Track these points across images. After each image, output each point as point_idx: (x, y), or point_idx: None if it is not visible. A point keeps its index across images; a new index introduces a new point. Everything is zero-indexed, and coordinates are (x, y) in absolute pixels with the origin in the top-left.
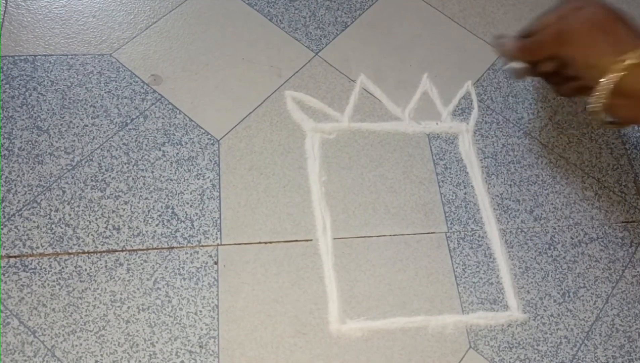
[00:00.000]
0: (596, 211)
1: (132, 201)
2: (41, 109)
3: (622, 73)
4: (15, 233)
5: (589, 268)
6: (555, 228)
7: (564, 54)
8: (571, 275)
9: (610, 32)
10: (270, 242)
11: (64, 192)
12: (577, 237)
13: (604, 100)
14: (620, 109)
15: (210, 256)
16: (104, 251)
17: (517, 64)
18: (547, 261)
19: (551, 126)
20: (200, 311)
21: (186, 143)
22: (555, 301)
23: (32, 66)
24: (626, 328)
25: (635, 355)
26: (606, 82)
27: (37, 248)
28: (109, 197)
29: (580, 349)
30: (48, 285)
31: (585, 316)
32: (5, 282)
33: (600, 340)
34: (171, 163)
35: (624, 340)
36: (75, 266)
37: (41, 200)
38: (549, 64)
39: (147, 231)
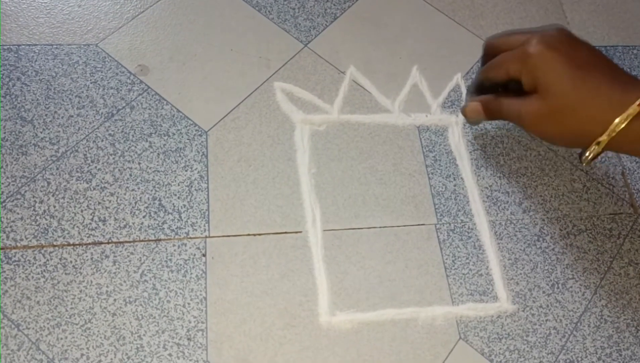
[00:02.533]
0: (584, 203)
1: (118, 193)
2: (25, 99)
3: (622, 126)
4: None
5: (578, 259)
6: (544, 220)
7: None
8: (560, 267)
9: (595, 78)
10: (259, 234)
11: (48, 183)
12: (565, 229)
13: (600, 150)
14: (622, 148)
15: (199, 248)
16: (89, 244)
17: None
18: (536, 253)
19: None
20: (188, 303)
21: (173, 134)
22: (544, 292)
23: (16, 55)
24: (614, 319)
25: (624, 345)
26: (605, 137)
27: (21, 240)
28: (94, 188)
29: (569, 340)
30: (32, 277)
31: (574, 307)
32: None
33: (589, 330)
34: (158, 154)
35: (612, 331)
36: (60, 259)
37: (25, 192)
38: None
39: (133, 223)
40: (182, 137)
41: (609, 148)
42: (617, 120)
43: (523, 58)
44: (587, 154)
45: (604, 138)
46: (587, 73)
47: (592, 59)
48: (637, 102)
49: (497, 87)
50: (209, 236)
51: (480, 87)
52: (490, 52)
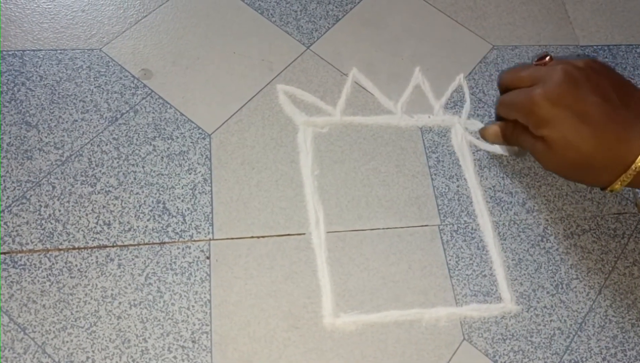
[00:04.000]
0: (588, 202)
1: (122, 196)
2: (30, 104)
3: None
4: (5, 229)
5: (582, 259)
6: (547, 220)
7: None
8: (564, 267)
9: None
10: (263, 236)
11: (53, 188)
12: (569, 229)
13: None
14: None
15: (203, 251)
16: (94, 247)
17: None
18: (540, 253)
19: None
20: (193, 306)
21: (177, 138)
22: (548, 292)
23: (21, 60)
24: (619, 319)
25: (628, 345)
26: (626, 178)
27: (27, 244)
28: (99, 192)
29: (573, 340)
30: (38, 281)
31: (578, 308)
32: None
33: (594, 331)
34: (162, 157)
35: (617, 331)
36: (65, 262)
37: (30, 196)
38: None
39: (138, 227)
40: (186, 140)
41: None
42: (630, 169)
43: (528, 111)
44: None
45: (617, 187)
46: (594, 128)
47: (599, 109)
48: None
49: None
50: (213, 239)
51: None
52: (503, 90)
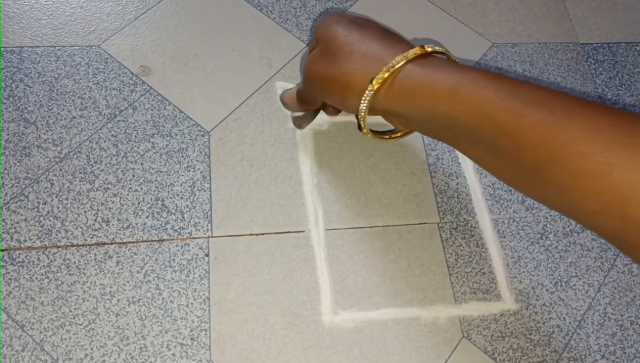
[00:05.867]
0: None
1: (121, 194)
2: (28, 101)
3: (368, 99)
4: (3, 226)
5: (581, 257)
6: (547, 218)
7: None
8: (563, 264)
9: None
10: (262, 234)
11: (52, 184)
12: (568, 226)
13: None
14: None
15: (201, 248)
16: (93, 244)
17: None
18: (539, 251)
19: None
20: (192, 303)
21: (176, 135)
22: (547, 290)
23: (19, 57)
24: (618, 316)
25: (627, 343)
26: (362, 109)
27: (25, 241)
28: (97, 189)
29: (572, 338)
30: (36, 278)
31: (577, 305)
32: None
33: (593, 328)
34: (161, 154)
35: (616, 329)
36: (64, 259)
37: (29, 193)
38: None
39: (136, 224)
40: (185, 137)
41: (379, 109)
42: (380, 74)
43: (315, 34)
44: (361, 116)
45: (371, 89)
46: (363, 28)
47: (373, 25)
48: (397, 58)
49: None
50: (212, 236)
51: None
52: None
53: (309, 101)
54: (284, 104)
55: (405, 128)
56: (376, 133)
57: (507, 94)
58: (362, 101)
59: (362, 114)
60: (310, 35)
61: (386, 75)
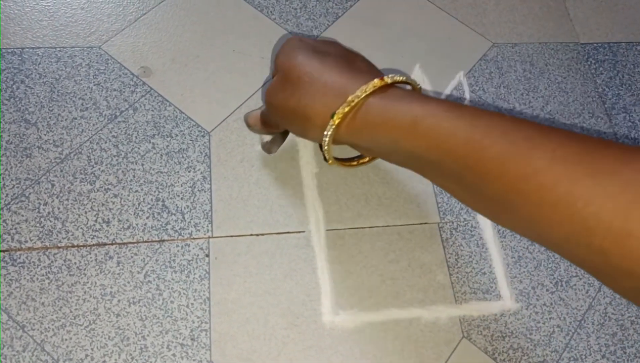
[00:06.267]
0: None
1: (122, 194)
2: (29, 102)
3: (330, 133)
4: (4, 227)
5: None
6: None
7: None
8: (563, 264)
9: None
10: (262, 234)
11: (52, 185)
12: None
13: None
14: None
15: (202, 248)
16: (93, 245)
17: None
18: (539, 251)
19: (542, 116)
20: (192, 304)
21: (176, 135)
22: (547, 290)
23: (20, 58)
24: (618, 316)
25: (628, 343)
26: (325, 142)
27: (26, 242)
28: (98, 190)
29: (573, 338)
30: (37, 279)
31: (577, 305)
32: None
33: (593, 328)
34: (161, 155)
35: (617, 328)
36: (64, 260)
37: (30, 194)
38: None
39: (137, 224)
40: (185, 138)
41: (342, 140)
42: (340, 108)
43: (276, 66)
44: (325, 147)
45: (330, 128)
46: (324, 56)
47: (337, 51)
48: (362, 90)
49: None
50: (212, 237)
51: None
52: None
53: (272, 125)
54: (249, 126)
55: (371, 156)
56: (342, 162)
57: (467, 125)
58: (325, 135)
59: (326, 147)
60: (311, 35)
61: (346, 109)
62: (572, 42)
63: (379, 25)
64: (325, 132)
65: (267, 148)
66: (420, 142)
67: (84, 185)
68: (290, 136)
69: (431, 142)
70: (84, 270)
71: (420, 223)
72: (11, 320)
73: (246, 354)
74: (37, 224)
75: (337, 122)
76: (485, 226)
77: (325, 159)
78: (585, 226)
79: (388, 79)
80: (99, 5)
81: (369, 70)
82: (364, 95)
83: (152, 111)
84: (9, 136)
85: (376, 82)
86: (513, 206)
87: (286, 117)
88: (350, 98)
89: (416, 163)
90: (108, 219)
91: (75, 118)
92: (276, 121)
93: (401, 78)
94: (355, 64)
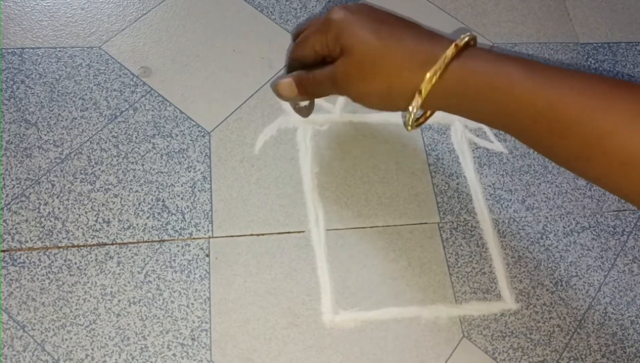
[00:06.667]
0: (588, 200)
1: (122, 194)
2: (29, 102)
3: (433, 82)
4: (4, 227)
5: (581, 256)
6: (547, 218)
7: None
8: (563, 264)
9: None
10: (263, 234)
11: (53, 185)
12: (569, 226)
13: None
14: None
15: (202, 248)
16: (94, 245)
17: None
18: (539, 251)
19: None
20: (192, 304)
21: (177, 135)
22: (547, 290)
23: (20, 58)
24: (618, 316)
25: (628, 342)
26: (410, 117)
27: (26, 242)
28: (98, 190)
29: (573, 337)
30: (37, 279)
31: (577, 305)
32: None
33: (593, 328)
34: (161, 155)
35: (617, 328)
36: (65, 260)
37: (30, 194)
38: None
39: (137, 224)
40: (185, 138)
41: (427, 106)
42: (428, 75)
43: (326, 27)
44: (408, 116)
45: (417, 99)
46: (392, 27)
47: (396, 19)
48: (443, 57)
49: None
50: (213, 237)
51: (292, 71)
52: (298, 35)
53: (320, 95)
54: (280, 96)
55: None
56: (418, 124)
57: (545, 85)
58: (412, 108)
59: (411, 117)
60: None
61: (434, 80)
62: (572, 42)
63: None
64: (411, 108)
65: (305, 112)
66: (498, 104)
67: (84, 185)
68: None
69: (509, 103)
70: (84, 270)
71: (420, 223)
72: (11, 320)
73: (246, 354)
74: (38, 224)
75: (424, 96)
76: (485, 226)
77: (405, 125)
78: None
79: (460, 42)
80: (99, 5)
81: (430, 32)
82: (444, 64)
83: (152, 111)
84: (9, 136)
85: (453, 48)
86: (592, 163)
87: (371, 101)
88: (434, 69)
89: (495, 120)
90: (108, 219)
91: (76, 118)
92: (363, 103)
93: (467, 38)
94: (416, 28)
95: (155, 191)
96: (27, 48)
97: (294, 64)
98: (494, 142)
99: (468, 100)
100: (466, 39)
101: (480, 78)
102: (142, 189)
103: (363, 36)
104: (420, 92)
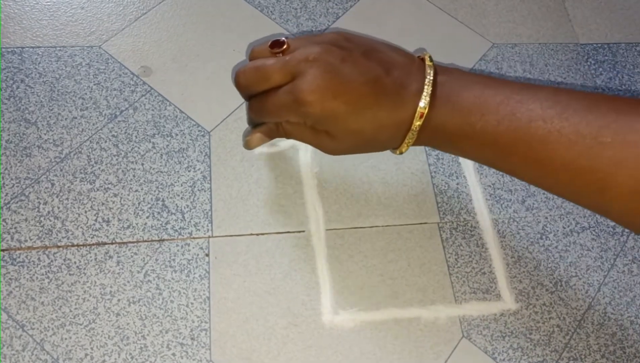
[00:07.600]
0: None
1: (121, 194)
2: (29, 101)
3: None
4: (3, 226)
5: (581, 257)
6: (547, 218)
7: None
8: (563, 264)
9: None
10: (262, 234)
11: (52, 185)
12: (568, 226)
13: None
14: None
15: (202, 248)
16: (93, 244)
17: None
18: (539, 251)
19: None
20: (192, 303)
21: (176, 135)
22: (547, 290)
23: (20, 58)
24: (618, 316)
25: (627, 343)
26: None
27: (26, 241)
28: (98, 189)
29: (572, 337)
30: (37, 278)
31: (577, 305)
32: None
33: (593, 328)
34: (161, 154)
35: (616, 328)
36: (64, 259)
37: (29, 193)
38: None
39: (137, 224)
40: (185, 137)
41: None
42: (411, 131)
43: (300, 113)
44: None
45: (404, 149)
46: (371, 108)
47: (367, 88)
48: (416, 121)
49: None
50: (212, 236)
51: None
52: (244, 89)
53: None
54: (249, 148)
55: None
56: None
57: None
58: (405, 144)
59: (405, 149)
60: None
61: (417, 126)
62: (571, 43)
63: (379, 26)
64: (397, 151)
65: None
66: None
67: (84, 184)
68: None
69: (485, 136)
70: (84, 269)
71: (420, 223)
72: (11, 319)
73: (246, 353)
74: (37, 224)
75: (410, 143)
76: (485, 226)
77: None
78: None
79: (428, 61)
80: (99, 4)
81: (403, 61)
82: (415, 133)
83: (152, 110)
84: (9, 135)
85: (419, 112)
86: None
87: (359, 150)
88: (407, 139)
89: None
90: (108, 218)
91: (75, 117)
92: (345, 152)
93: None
94: (378, 86)
95: (155, 191)
96: (27, 47)
97: (255, 121)
98: None
99: (447, 146)
100: (430, 91)
101: (451, 131)
102: (142, 189)
103: (347, 128)
104: (402, 153)
